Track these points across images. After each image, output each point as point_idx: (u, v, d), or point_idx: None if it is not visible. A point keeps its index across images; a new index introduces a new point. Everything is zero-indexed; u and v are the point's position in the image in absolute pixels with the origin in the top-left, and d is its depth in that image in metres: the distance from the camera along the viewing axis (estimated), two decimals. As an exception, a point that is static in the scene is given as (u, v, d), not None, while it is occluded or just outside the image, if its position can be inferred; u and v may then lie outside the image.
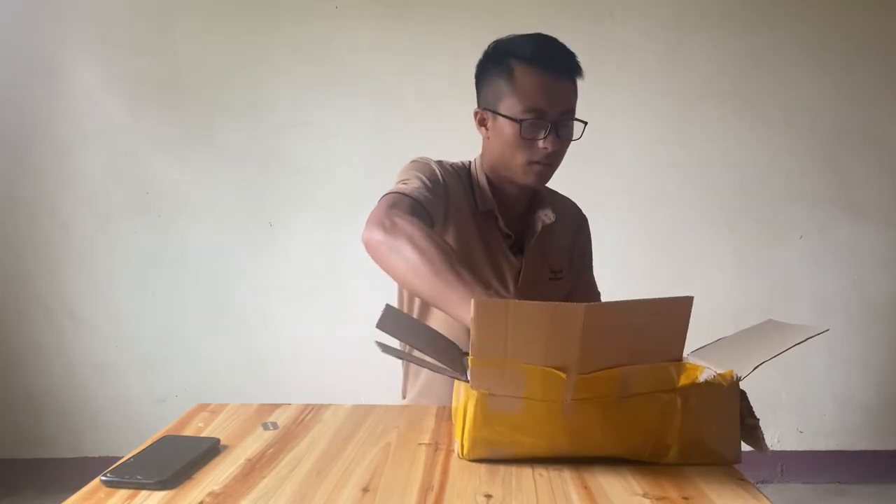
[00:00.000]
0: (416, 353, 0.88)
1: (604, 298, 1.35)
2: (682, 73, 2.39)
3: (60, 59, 2.39)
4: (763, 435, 0.81)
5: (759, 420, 0.81)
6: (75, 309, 2.50)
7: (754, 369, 0.78)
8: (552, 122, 1.07)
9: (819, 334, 0.78)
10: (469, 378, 0.76)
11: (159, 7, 2.38)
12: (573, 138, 1.12)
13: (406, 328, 0.91)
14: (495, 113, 1.10)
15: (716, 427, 0.80)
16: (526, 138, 1.08)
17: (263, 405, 1.07)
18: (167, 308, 2.50)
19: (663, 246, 2.45)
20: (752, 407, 0.82)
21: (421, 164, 1.16)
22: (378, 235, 0.97)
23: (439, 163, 1.18)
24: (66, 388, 2.52)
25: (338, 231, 2.43)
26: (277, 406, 1.06)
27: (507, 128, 1.09)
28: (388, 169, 2.56)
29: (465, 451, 0.80)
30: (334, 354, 2.49)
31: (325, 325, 2.49)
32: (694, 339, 2.64)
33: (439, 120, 2.35)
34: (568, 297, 1.30)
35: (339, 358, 2.48)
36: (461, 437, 0.81)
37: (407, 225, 0.96)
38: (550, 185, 1.22)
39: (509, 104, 1.08)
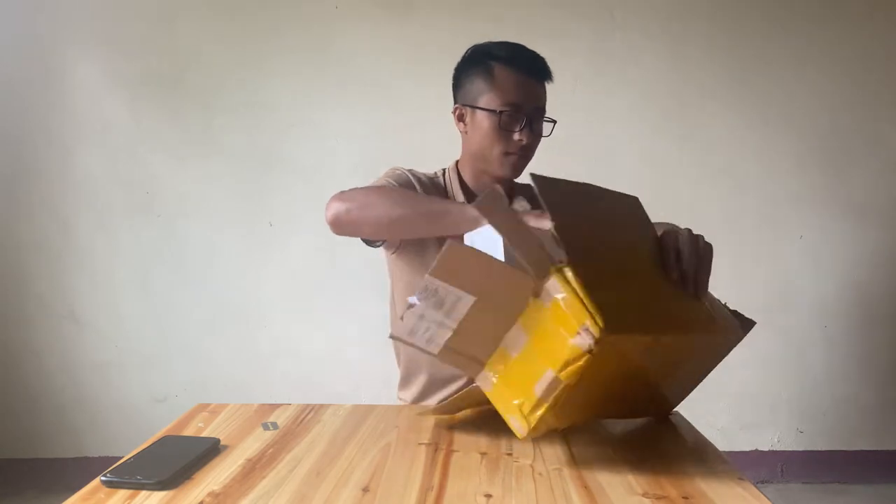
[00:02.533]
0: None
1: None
2: (681, 72, 2.39)
3: (61, 59, 2.40)
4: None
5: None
6: (75, 309, 2.50)
7: None
8: (527, 115, 1.19)
9: None
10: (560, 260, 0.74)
11: (159, 7, 2.38)
12: (544, 135, 1.24)
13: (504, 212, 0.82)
14: (475, 108, 1.21)
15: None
16: (504, 129, 1.18)
17: (263, 405, 1.07)
18: (167, 308, 2.50)
19: (663, 246, 2.45)
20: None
21: (393, 173, 1.26)
22: (340, 206, 1.08)
23: (412, 170, 1.29)
24: (66, 388, 2.52)
25: (338, 231, 2.43)
26: (277, 406, 1.07)
27: (485, 121, 1.19)
28: (388, 169, 2.55)
29: (601, 325, 0.71)
30: (334, 354, 2.49)
31: (325, 324, 2.49)
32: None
33: (439, 120, 2.34)
34: None
35: (340, 358, 2.48)
36: (587, 318, 0.71)
37: (364, 189, 1.11)
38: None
39: (488, 98, 1.19)
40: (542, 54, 1.24)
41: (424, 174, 1.31)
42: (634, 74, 2.39)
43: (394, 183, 1.21)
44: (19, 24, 2.38)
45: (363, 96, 2.40)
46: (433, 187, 1.29)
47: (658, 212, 2.63)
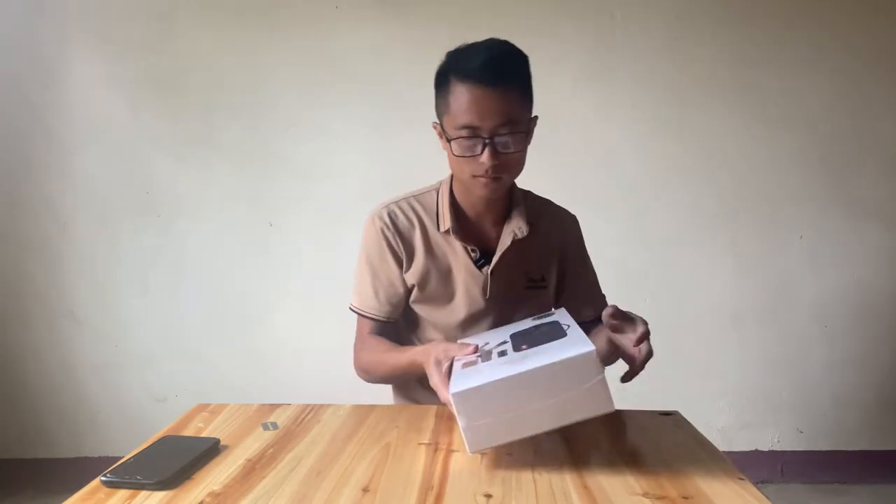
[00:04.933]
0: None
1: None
2: (681, 72, 2.39)
3: (60, 58, 2.39)
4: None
5: None
6: (75, 309, 2.50)
7: None
8: (488, 136, 1.04)
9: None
10: None
11: (159, 7, 2.38)
12: (518, 150, 1.08)
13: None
14: (442, 127, 1.12)
15: None
16: (458, 156, 1.07)
17: (263, 405, 1.07)
18: (167, 308, 2.50)
19: (662, 246, 2.45)
20: None
21: (368, 247, 1.24)
22: (360, 374, 1.28)
23: (391, 216, 1.22)
24: (66, 388, 2.52)
25: (338, 231, 2.43)
26: (277, 406, 1.07)
27: (447, 144, 1.10)
28: (388, 169, 2.56)
29: None
30: (334, 354, 2.47)
31: (325, 324, 2.49)
32: (695, 340, 2.64)
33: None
34: (559, 304, 1.30)
35: (340, 358, 2.46)
36: None
37: (356, 355, 1.27)
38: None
39: (446, 121, 1.09)
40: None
41: (409, 203, 1.24)
42: (635, 74, 2.39)
43: (371, 291, 1.24)
44: (19, 24, 2.38)
45: (363, 96, 2.40)
46: (415, 216, 1.23)
47: (659, 212, 2.65)
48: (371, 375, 1.24)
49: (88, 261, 2.48)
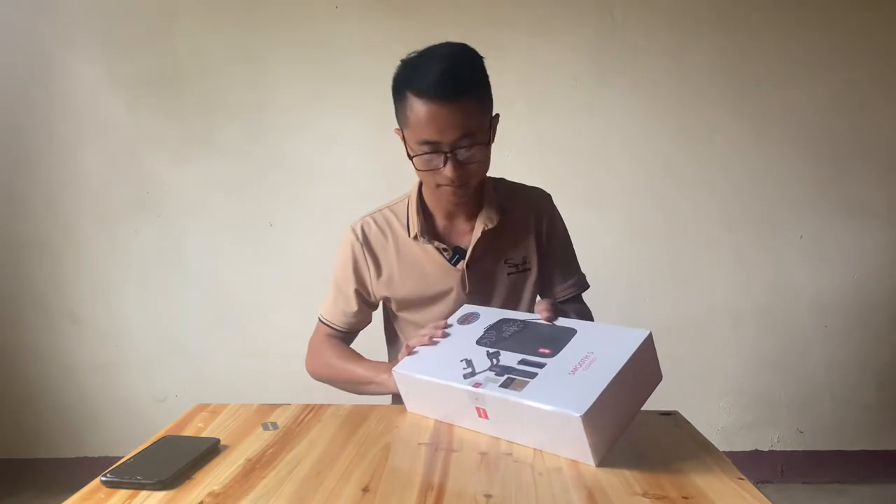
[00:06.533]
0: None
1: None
2: (681, 73, 2.39)
3: (60, 58, 2.39)
4: None
5: None
6: (76, 309, 2.50)
7: None
8: (449, 150, 1.06)
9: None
10: None
11: (159, 7, 2.38)
12: (480, 159, 1.09)
13: None
14: (404, 139, 1.13)
15: None
16: (421, 170, 1.10)
17: (263, 405, 1.07)
18: (167, 308, 2.50)
19: (663, 246, 2.45)
20: None
21: (338, 259, 1.33)
22: (306, 364, 1.35)
23: (364, 229, 1.28)
24: (66, 388, 2.52)
25: (338, 231, 2.42)
26: (277, 406, 1.07)
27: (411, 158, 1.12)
28: (388, 169, 2.56)
29: None
30: (334, 354, 2.48)
31: (325, 325, 2.49)
32: (695, 340, 2.64)
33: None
34: (546, 282, 1.31)
35: (339, 358, 2.47)
36: None
37: (309, 350, 1.36)
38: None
39: (407, 134, 1.10)
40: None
41: (382, 214, 1.28)
42: (634, 74, 2.39)
43: (336, 301, 1.31)
44: (19, 24, 2.38)
45: (363, 96, 2.40)
46: (387, 226, 1.26)
47: (659, 212, 2.64)
48: (320, 375, 1.33)
49: (88, 261, 2.48)
